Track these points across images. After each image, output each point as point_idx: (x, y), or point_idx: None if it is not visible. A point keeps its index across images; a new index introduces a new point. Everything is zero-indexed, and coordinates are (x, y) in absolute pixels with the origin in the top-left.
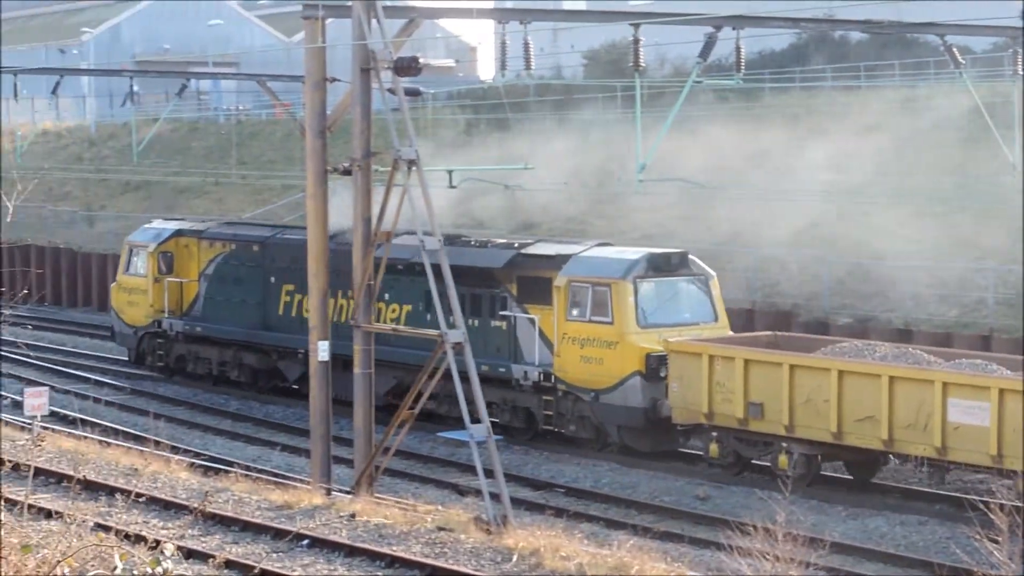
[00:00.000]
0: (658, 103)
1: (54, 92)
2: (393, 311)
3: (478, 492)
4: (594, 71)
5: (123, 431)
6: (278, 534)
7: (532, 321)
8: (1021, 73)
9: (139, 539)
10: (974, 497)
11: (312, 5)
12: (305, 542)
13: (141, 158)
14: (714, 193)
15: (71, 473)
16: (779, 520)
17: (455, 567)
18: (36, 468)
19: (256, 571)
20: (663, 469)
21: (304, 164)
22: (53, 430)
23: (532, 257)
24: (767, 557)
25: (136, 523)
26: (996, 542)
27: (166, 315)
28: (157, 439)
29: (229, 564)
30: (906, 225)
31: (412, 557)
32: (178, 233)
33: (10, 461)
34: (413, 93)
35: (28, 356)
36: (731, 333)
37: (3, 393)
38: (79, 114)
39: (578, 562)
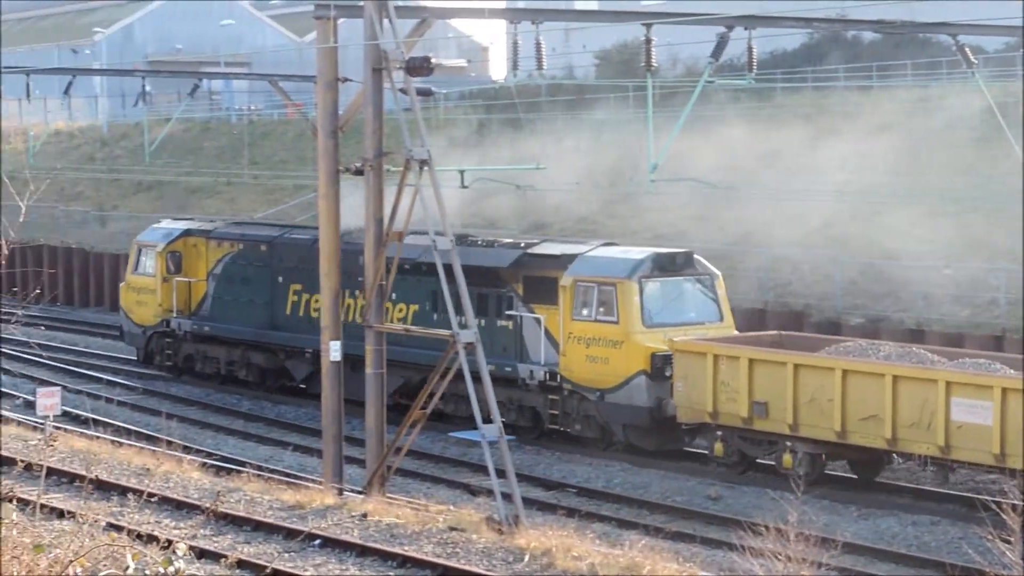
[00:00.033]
0: (670, 103)
1: (66, 92)
2: (400, 311)
3: (490, 492)
4: (606, 71)
5: (135, 431)
6: (290, 534)
7: (538, 321)
8: (1021, 73)
9: (151, 539)
10: (986, 497)
11: (324, 5)
12: (317, 542)
13: (153, 158)
14: (726, 193)
15: (83, 473)
16: (791, 520)
17: (467, 567)
18: (48, 468)
19: (268, 571)
20: (675, 469)
21: (316, 164)
22: (65, 430)
23: (538, 257)
24: (779, 557)
25: (148, 523)
26: (1008, 542)
27: (174, 315)
28: (169, 439)
29: (241, 564)
30: (918, 225)
31: (424, 557)
32: (186, 233)
33: (23, 461)
34: (425, 93)
35: (40, 356)
36: (736, 333)
37: (16, 393)
38: (91, 114)
39: (590, 562)
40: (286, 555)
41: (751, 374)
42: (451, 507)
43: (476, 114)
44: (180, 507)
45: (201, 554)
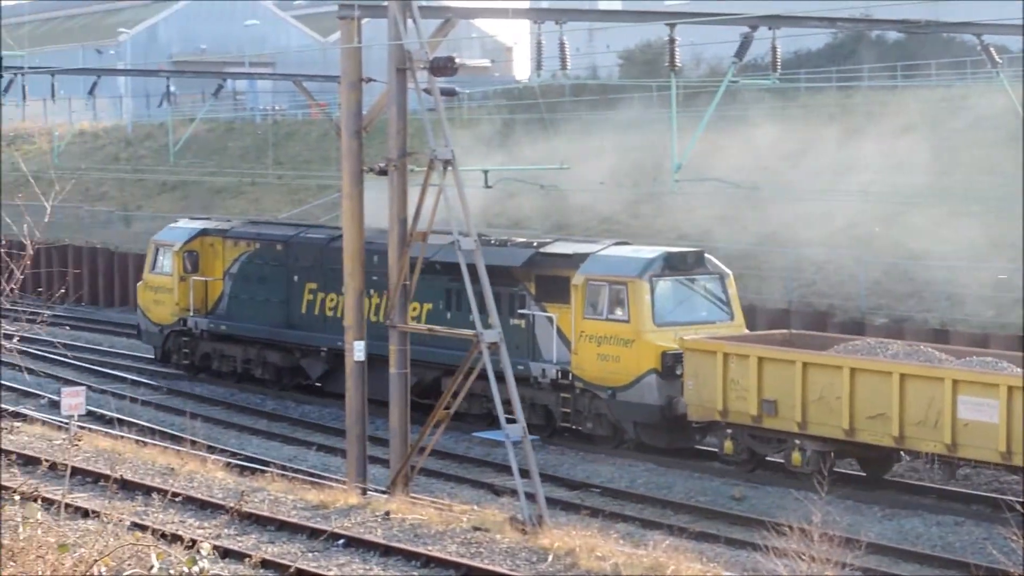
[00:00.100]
0: (694, 103)
1: (91, 92)
2: (414, 309)
3: (514, 492)
4: (630, 71)
5: (159, 430)
6: (314, 533)
7: (550, 319)
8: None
9: (175, 538)
10: (1011, 498)
11: (348, 5)
12: (341, 542)
13: (177, 158)
14: (750, 193)
15: (108, 472)
16: (815, 520)
17: (491, 567)
18: (73, 467)
19: (292, 570)
20: (699, 469)
21: (340, 164)
22: (90, 429)
23: (550, 256)
24: (803, 557)
25: (172, 522)
26: None
27: (191, 313)
28: (193, 439)
29: (265, 564)
30: (943, 225)
31: (448, 557)
32: (203, 232)
33: (47, 460)
34: (449, 93)
35: (65, 356)
36: (747, 331)
37: (41, 393)
38: (116, 114)
39: (614, 562)
40: (310, 555)
41: (760, 372)
42: (475, 507)
43: (500, 114)
44: (204, 507)
45: (225, 554)
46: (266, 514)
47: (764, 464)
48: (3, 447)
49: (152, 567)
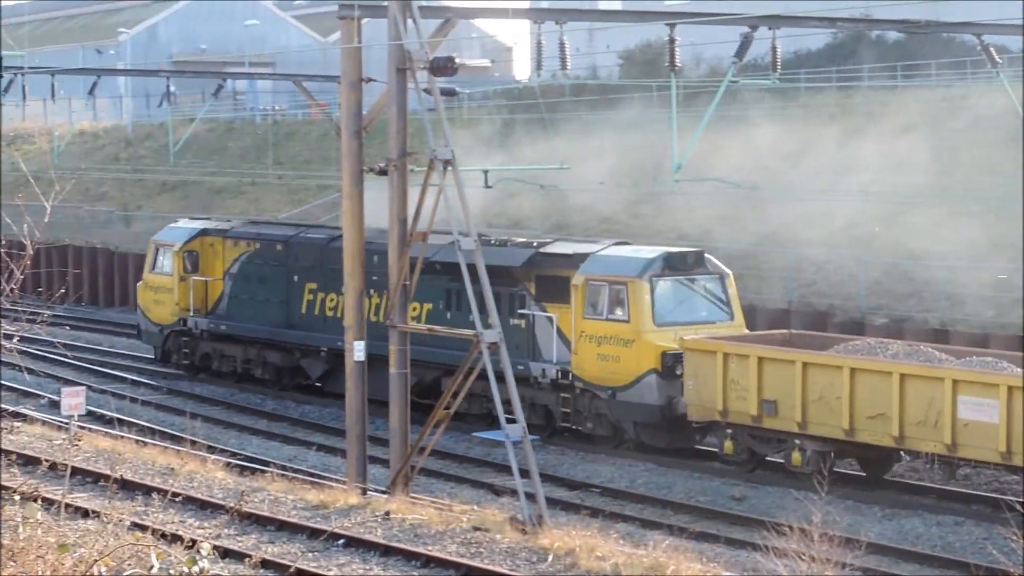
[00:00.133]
0: (694, 103)
1: (91, 92)
2: (413, 309)
3: (514, 492)
4: (630, 71)
5: (159, 430)
6: (314, 533)
7: (550, 319)
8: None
9: (175, 538)
10: (1011, 498)
11: (348, 5)
12: (341, 541)
13: (177, 158)
14: (750, 193)
15: (108, 472)
16: (815, 520)
17: (491, 567)
18: (73, 467)
19: (292, 570)
20: (699, 469)
21: (340, 164)
22: (90, 429)
23: (550, 256)
24: (803, 557)
25: (172, 522)
26: None
27: (191, 313)
28: (193, 439)
29: (265, 564)
30: (943, 225)
31: (447, 557)
32: (203, 232)
33: (47, 460)
34: (449, 93)
35: (65, 356)
36: (747, 331)
37: (41, 392)
38: (116, 114)
39: (613, 562)
40: (310, 555)
41: (760, 373)
42: (475, 507)
43: (500, 114)
44: (204, 507)
45: (225, 554)
46: (266, 514)
47: (764, 464)
48: (4, 447)
49: (152, 567)
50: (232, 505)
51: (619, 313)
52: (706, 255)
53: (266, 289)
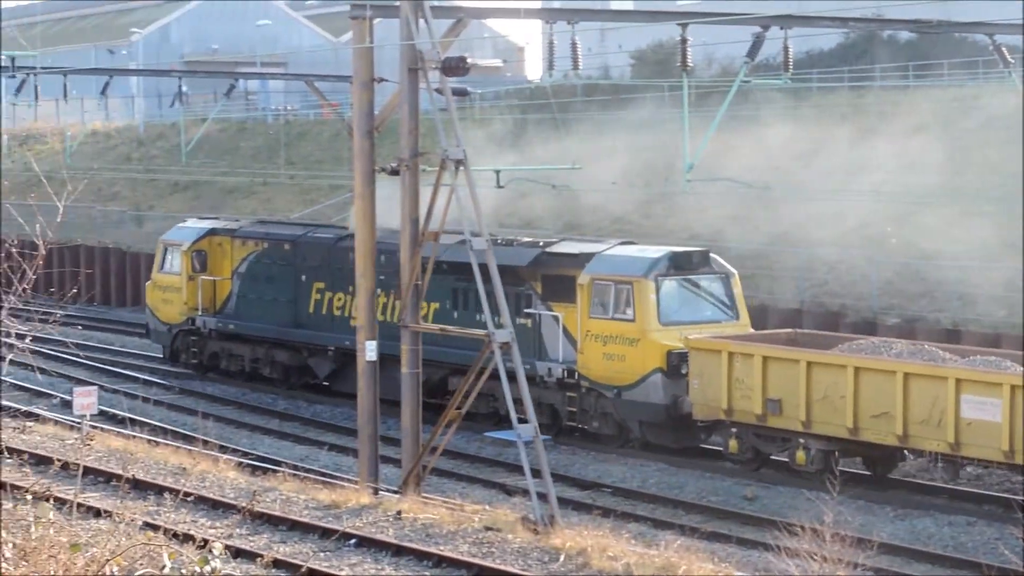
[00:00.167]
0: (706, 103)
1: (103, 92)
2: (421, 309)
3: (525, 492)
4: (641, 71)
5: (171, 430)
6: (325, 533)
7: (556, 319)
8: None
9: (187, 538)
10: (1022, 498)
11: (360, 5)
12: (352, 541)
13: (189, 158)
14: (762, 193)
15: (120, 472)
16: (827, 521)
17: (502, 567)
18: (85, 467)
19: (303, 570)
20: (710, 469)
21: (352, 164)
22: (102, 429)
23: (556, 255)
24: (815, 557)
25: (184, 522)
26: None
27: (200, 313)
28: (205, 438)
29: (277, 563)
30: (955, 225)
31: (459, 557)
32: (211, 232)
33: (59, 460)
34: (461, 93)
35: (77, 356)
36: (752, 331)
37: (53, 392)
38: (128, 114)
39: (625, 562)
40: (321, 555)
41: (765, 372)
42: (487, 507)
43: (512, 114)
44: (216, 506)
45: (237, 553)
46: (278, 514)
47: (768, 463)
48: (16, 447)
49: (164, 567)
50: (244, 505)
51: (625, 312)
52: (711, 255)
53: (274, 288)
